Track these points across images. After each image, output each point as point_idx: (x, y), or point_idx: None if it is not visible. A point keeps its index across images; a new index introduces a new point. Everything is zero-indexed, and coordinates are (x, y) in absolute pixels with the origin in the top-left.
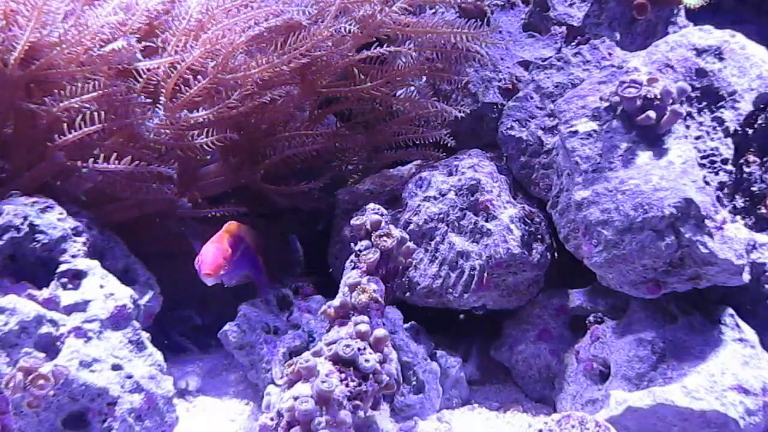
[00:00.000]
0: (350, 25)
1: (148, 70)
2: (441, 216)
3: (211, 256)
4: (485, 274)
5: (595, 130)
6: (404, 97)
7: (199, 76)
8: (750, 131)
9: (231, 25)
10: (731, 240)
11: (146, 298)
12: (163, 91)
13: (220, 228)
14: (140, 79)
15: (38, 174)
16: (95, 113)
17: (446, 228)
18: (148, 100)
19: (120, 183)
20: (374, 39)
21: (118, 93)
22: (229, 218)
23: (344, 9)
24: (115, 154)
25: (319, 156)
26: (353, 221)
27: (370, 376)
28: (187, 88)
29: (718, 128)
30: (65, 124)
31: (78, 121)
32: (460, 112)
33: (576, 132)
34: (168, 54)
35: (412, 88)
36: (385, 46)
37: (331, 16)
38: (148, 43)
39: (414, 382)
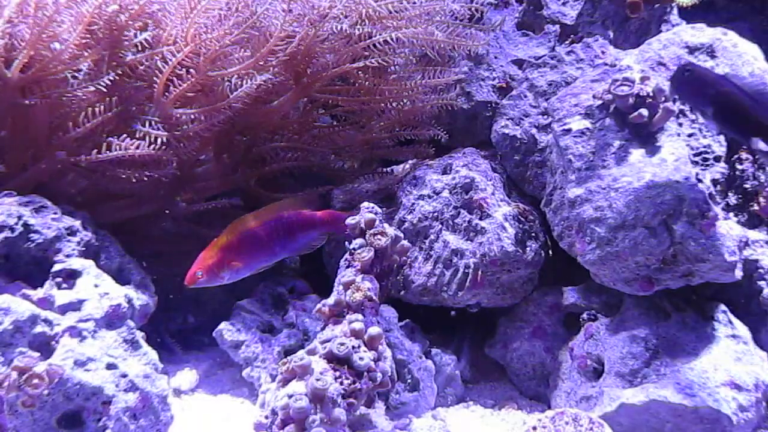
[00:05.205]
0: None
1: (145, 65)
2: (435, 214)
3: (193, 264)
4: (480, 272)
5: (588, 128)
6: (401, 91)
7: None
8: None
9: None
10: (724, 237)
11: (141, 297)
12: (156, 86)
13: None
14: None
15: (38, 173)
16: (97, 109)
17: (440, 226)
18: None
19: (122, 180)
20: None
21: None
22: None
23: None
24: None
25: (314, 154)
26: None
27: (365, 374)
28: (180, 83)
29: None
30: (70, 121)
31: (81, 118)
32: (456, 101)
33: (569, 130)
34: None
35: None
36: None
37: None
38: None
39: (409, 380)
